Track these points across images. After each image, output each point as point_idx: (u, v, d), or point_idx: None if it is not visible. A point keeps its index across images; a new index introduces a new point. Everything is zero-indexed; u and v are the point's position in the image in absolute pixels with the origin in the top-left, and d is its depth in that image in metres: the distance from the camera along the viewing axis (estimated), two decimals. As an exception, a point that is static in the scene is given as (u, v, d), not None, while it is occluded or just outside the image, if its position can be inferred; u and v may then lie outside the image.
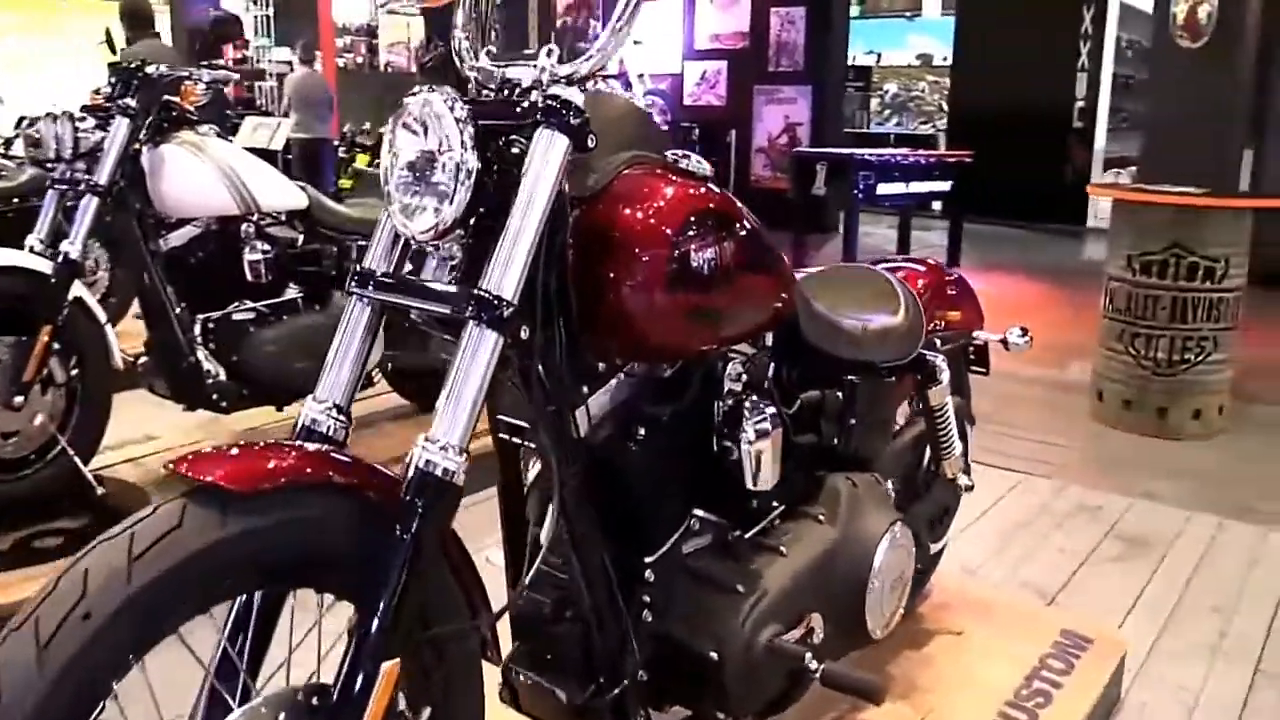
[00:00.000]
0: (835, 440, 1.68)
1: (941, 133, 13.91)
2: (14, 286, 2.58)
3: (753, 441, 1.41)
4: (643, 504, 1.40)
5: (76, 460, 2.70)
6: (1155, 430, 4.14)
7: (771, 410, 1.45)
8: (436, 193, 1.13)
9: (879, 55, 16.07)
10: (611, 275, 1.21)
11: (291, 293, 3.10)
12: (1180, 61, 4.38)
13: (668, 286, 1.23)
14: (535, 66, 1.20)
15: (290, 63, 11.35)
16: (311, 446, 1.15)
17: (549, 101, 1.15)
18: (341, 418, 1.23)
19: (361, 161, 8.67)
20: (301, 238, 3.13)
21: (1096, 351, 4.35)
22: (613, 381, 1.35)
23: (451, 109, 1.12)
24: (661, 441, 1.38)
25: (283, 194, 3.02)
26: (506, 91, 1.22)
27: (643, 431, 1.37)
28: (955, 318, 2.06)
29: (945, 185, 7.92)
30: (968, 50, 12.06)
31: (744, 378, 1.46)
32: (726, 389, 1.45)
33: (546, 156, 1.14)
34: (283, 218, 3.07)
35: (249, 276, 2.93)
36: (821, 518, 1.59)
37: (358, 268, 1.25)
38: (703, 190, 1.30)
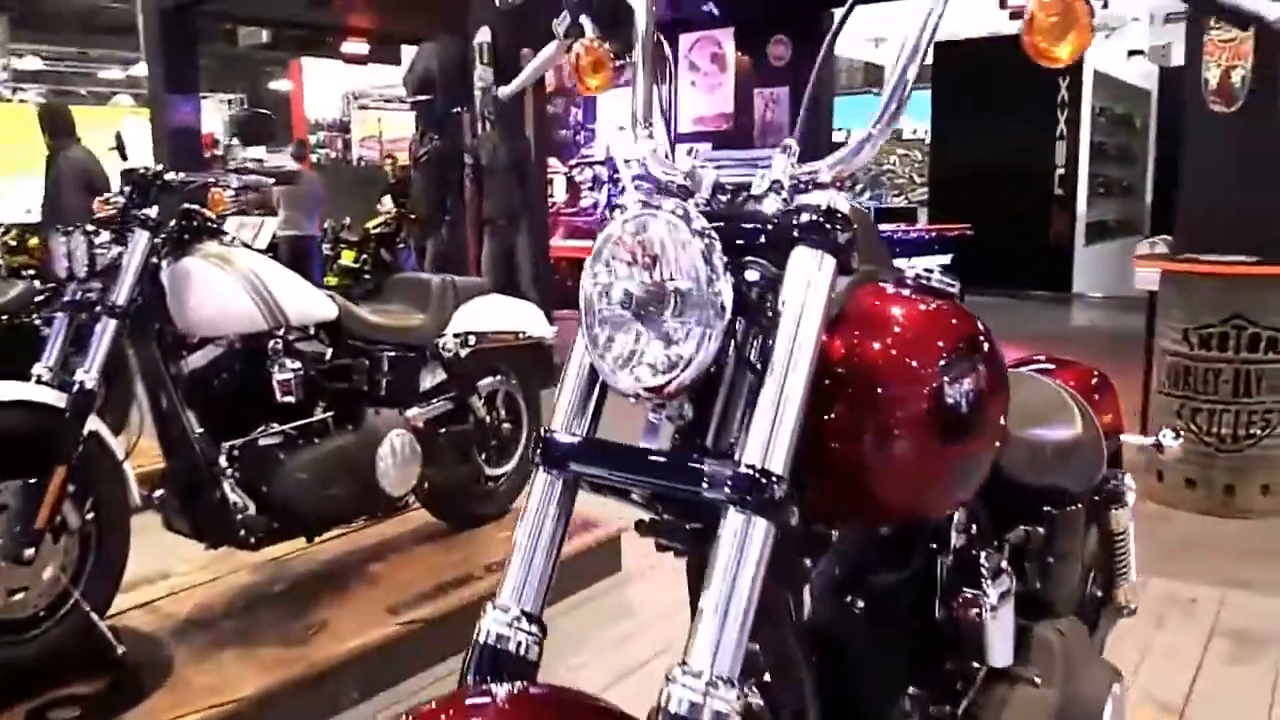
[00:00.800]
0: (1038, 584, 1.44)
1: (919, 205, 13.94)
2: (23, 422, 2.30)
3: (995, 607, 1.17)
4: (860, 688, 1.14)
5: (93, 615, 2.39)
6: (1222, 509, 3.93)
7: (1006, 565, 1.21)
8: (667, 336, 0.89)
9: (848, 131, 16.18)
10: (858, 423, 0.97)
11: (320, 413, 2.84)
12: (1214, 127, 4.28)
13: (928, 433, 0.99)
14: (767, 167, 0.98)
15: (261, 160, 11.19)
16: (512, 690, 0.89)
17: (812, 214, 0.92)
18: (534, 630, 0.96)
19: (347, 258, 8.45)
20: (330, 351, 2.88)
21: (1148, 428, 4.16)
22: None
23: (688, 224, 0.88)
24: (885, 613, 1.13)
25: (313, 305, 2.77)
26: (725, 199, 0.99)
27: (862, 603, 1.12)
28: (1108, 422, 1.84)
29: (945, 259, 7.82)
30: (945, 122, 12.13)
31: (971, 529, 1.22)
32: (953, 543, 1.20)
33: (812, 283, 0.90)
34: (311, 330, 2.82)
35: (278, 397, 2.66)
36: (1037, 679, 1.33)
37: (543, 433, 1.00)
38: (955, 313, 1.07)
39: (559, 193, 9.12)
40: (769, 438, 0.87)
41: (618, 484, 0.96)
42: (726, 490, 0.87)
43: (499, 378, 3.40)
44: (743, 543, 0.86)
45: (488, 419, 3.32)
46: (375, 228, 9.01)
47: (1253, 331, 3.80)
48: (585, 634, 2.95)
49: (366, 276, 8.49)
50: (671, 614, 2.96)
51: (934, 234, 7.81)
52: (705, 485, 0.89)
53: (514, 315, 3.41)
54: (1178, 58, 14.85)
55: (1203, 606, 3.13)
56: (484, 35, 6.12)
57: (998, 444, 1.10)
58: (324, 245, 8.54)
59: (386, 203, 9.06)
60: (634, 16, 1.18)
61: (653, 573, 3.30)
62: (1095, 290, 11.43)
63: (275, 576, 3.10)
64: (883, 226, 8.43)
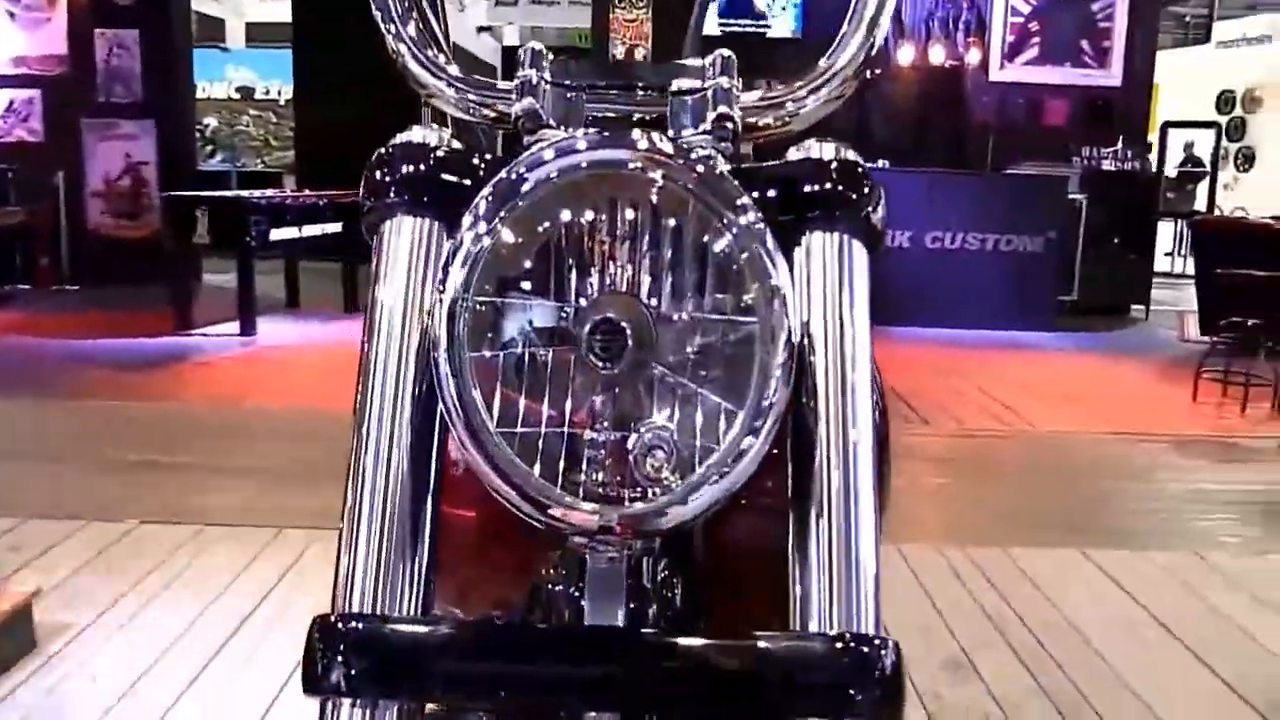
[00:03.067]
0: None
1: (282, 170, 13.27)
2: None
3: None
4: None
5: None
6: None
7: None
8: (673, 406, 0.50)
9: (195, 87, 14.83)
10: None
11: None
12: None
13: None
14: (690, 93, 0.59)
15: None
16: None
17: (826, 177, 0.55)
18: None
19: None
20: None
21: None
22: None
23: (712, 179, 0.48)
24: None
25: None
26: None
27: None
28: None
29: (337, 226, 7.42)
30: (310, 83, 11.61)
31: None
32: None
33: (850, 295, 0.55)
34: None
35: None
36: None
37: (334, 618, 0.52)
38: None
39: None
40: (847, 581, 0.51)
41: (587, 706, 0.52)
42: (855, 697, 0.50)
43: None
44: None
45: None
46: None
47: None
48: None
49: None
50: (125, 700, 2.28)
51: (325, 201, 7.34)
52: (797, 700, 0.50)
53: None
54: (510, 37, 16.03)
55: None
56: None
57: None
58: None
59: None
60: None
61: (77, 642, 2.55)
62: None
63: None
64: (275, 193, 7.78)
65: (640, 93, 0.65)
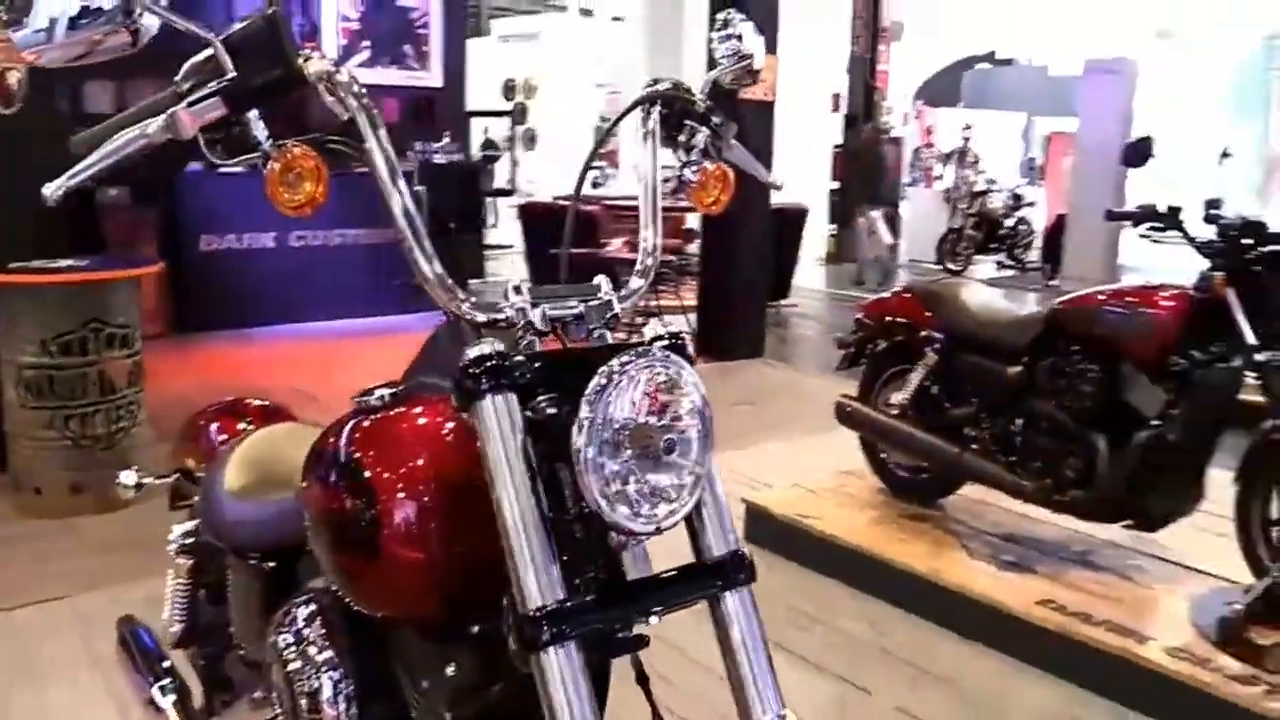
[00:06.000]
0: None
1: None
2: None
3: None
4: None
5: None
6: (106, 506, 4.03)
7: None
8: (673, 471, 1.00)
9: None
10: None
11: None
12: (-7, 127, 4.18)
13: None
14: (592, 301, 1.11)
15: None
16: None
17: (677, 339, 1.09)
18: None
19: None
20: None
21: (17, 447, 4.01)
22: None
23: (683, 368, 1.01)
24: None
25: None
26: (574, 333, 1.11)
27: None
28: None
29: None
30: None
31: None
32: None
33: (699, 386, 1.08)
34: None
35: None
36: None
37: (531, 611, 0.95)
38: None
39: None
40: (719, 518, 1.09)
41: (641, 620, 1.03)
42: (736, 576, 1.07)
43: None
44: (746, 614, 1.08)
45: None
46: None
47: (109, 332, 3.99)
48: None
49: None
50: None
51: None
52: (719, 582, 1.07)
53: None
54: None
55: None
56: None
57: None
58: None
59: None
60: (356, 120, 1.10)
61: None
62: None
63: None
64: None
65: (571, 303, 1.11)
